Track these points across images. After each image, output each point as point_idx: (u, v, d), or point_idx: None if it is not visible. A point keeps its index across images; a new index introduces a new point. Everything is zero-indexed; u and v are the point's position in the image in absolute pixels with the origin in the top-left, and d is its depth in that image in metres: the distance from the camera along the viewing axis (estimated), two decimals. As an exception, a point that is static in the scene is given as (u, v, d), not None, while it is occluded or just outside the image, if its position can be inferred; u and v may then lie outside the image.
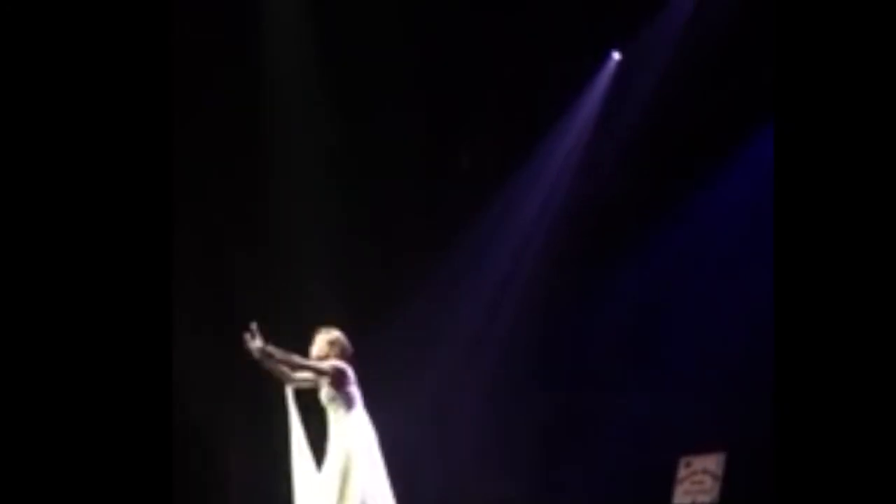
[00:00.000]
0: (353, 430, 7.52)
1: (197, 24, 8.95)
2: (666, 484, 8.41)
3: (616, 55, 10.20)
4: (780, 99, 4.57)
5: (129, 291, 4.44)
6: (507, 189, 10.34)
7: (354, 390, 7.54)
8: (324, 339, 7.60)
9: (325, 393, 7.58)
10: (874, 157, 4.37)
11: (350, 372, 7.54)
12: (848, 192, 4.39)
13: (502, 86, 10.19)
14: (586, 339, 9.97)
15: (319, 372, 7.52)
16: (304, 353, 7.72)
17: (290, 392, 7.66)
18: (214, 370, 9.15)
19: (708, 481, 8.55)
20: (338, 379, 7.48)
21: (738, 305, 9.27)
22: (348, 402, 7.50)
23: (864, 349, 4.30)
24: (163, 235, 4.53)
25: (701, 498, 8.47)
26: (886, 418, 4.26)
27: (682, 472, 8.75)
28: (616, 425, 9.58)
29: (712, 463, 8.63)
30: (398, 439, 7.80)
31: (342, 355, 7.58)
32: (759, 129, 9.25)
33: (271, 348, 7.39)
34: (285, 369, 7.56)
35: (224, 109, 9.74)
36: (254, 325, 7.30)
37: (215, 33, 9.51)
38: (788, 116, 4.52)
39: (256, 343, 7.35)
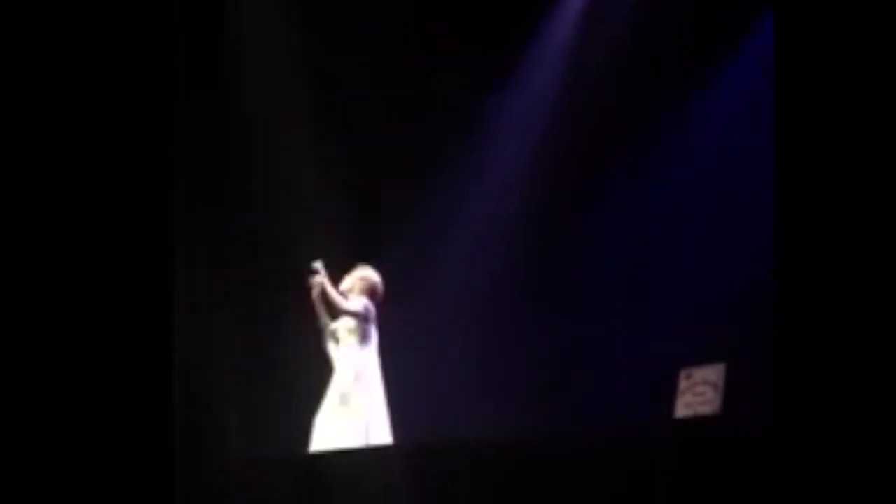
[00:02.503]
0: (362, 361, 7.66)
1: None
2: (666, 408, 8.35)
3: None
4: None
5: (128, 246, 4.39)
6: (492, 109, 10.13)
7: (373, 330, 7.73)
8: (357, 275, 7.91)
9: (343, 324, 7.76)
10: (880, 47, 4.21)
11: (373, 312, 7.71)
12: (851, 91, 4.25)
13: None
14: (582, 262, 9.84)
15: (350, 313, 7.69)
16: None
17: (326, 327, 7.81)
18: (214, 313, 9.14)
19: (709, 392, 8.48)
20: (363, 316, 7.66)
21: (738, 222, 9.11)
22: (364, 337, 7.69)
23: (867, 265, 4.19)
24: (162, 177, 4.47)
25: (702, 409, 8.40)
26: (888, 332, 4.17)
27: (682, 384, 8.68)
28: (614, 350, 9.49)
29: (713, 374, 8.55)
30: (391, 371, 7.88)
31: (372, 292, 7.83)
32: (756, 26, 9.05)
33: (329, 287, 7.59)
34: (323, 310, 7.77)
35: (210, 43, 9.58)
36: (318, 265, 7.43)
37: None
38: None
39: (319, 279, 7.56)
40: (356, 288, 8.02)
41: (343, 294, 7.97)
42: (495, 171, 10.15)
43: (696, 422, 7.51)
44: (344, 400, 7.72)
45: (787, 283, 4.29)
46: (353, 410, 7.68)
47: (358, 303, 7.88)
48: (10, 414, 4.17)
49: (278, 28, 9.72)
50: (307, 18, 9.75)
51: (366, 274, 8.09)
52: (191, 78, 8.68)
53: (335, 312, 7.96)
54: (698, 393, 8.52)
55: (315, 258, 8.04)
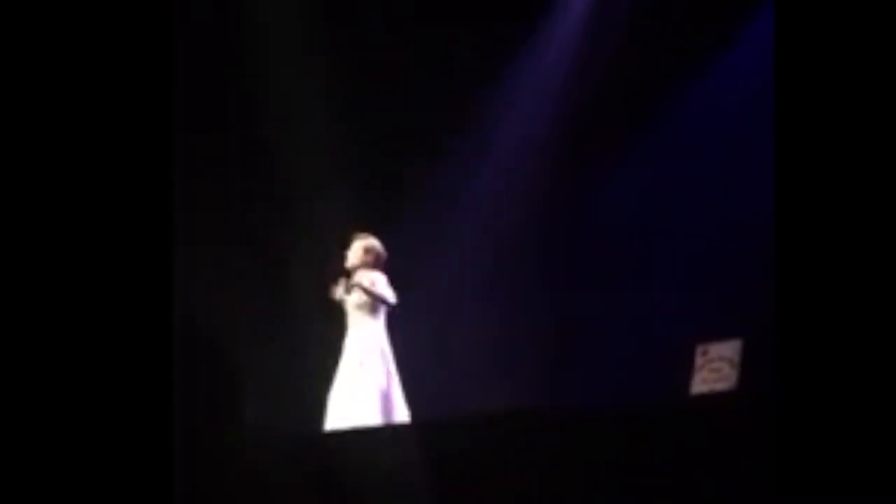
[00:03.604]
0: (373, 335, 7.62)
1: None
2: (676, 379, 8.37)
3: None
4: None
5: (129, 211, 4.36)
6: (503, 84, 10.12)
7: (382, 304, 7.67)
8: (360, 247, 7.80)
9: (354, 298, 7.71)
10: (880, 32, 4.19)
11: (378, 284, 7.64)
12: (851, 68, 4.22)
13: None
14: (591, 238, 9.84)
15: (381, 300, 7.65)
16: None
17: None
18: (225, 291, 9.15)
19: (725, 368, 8.46)
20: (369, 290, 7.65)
21: (743, 192, 9.10)
22: (374, 311, 7.64)
23: (869, 240, 4.17)
24: (162, 151, 4.44)
25: (719, 385, 8.38)
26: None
27: (698, 360, 8.65)
28: (624, 323, 9.49)
29: (729, 350, 8.53)
30: (399, 344, 7.87)
31: (377, 262, 7.77)
32: (757, 12, 9.02)
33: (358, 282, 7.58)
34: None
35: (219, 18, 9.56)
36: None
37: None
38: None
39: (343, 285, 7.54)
40: (368, 262, 7.93)
41: (352, 270, 7.92)
42: (503, 147, 10.15)
43: (709, 397, 7.50)
44: (357, 375, 7.71)
45: (787, 274, 4.28)
46: (366, 385, 7.66)
47: (389, 291, 7.83)
48: (16, 396, 4.14)
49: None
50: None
51: (369, 244, 7.96)
52: (199, 47, 8.76)
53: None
54: (714, 369, 8.50)
55: (326, 232, 8.05)
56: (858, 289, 4.15)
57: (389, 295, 7.74)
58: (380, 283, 7.79)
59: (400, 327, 8.07)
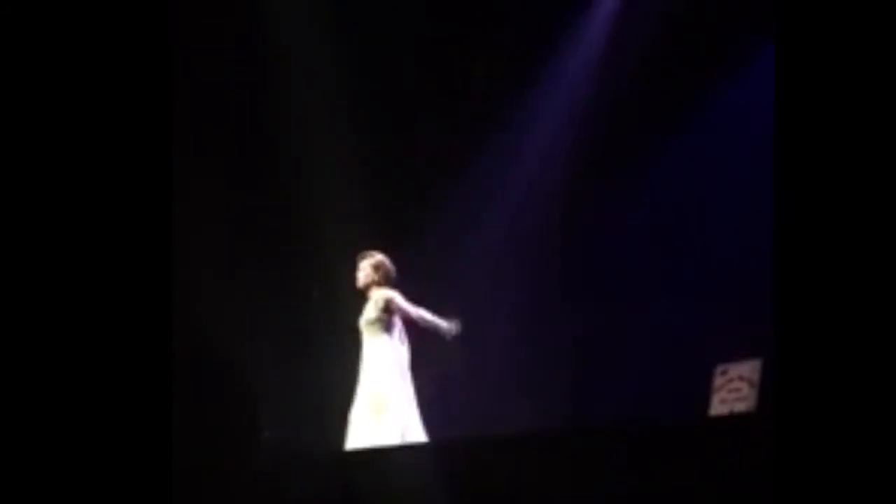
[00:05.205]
0: (386, 349, 7.59)
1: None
2: (702, 395, 8.34)
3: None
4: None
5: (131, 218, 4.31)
6: (522, 103, 10.15)
7: (395, 319, 7.63)
8: (368, 265, 7.73)
9: (366, 317, 7.67)
10: (875, 59, 4.19)
11: (398, 300, 7.61)
12: (851, 96, 4.22)
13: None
14: (611, 251, 9.83)
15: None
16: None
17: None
18: (245, 302, 9.13)
19: (745, 388, 8.41)
20: (387, 308, 7.61)
21: (766, 208, 9.06)
22: (385, 328, 7.59)
23: (878, 257, 4.15)
24: (164, 162, 4.40)
25: (738, 406, 8.34)
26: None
27: (718, 380, 8.61)
28: (647, 338, 9.47)
29: (748, 370, 8.48)
30: (425, 363, 7.84)
31: (387, 279, 7.70)
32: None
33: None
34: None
35: (230, 35, 9.60)
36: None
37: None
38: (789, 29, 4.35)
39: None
40: (379, 280, 7.89)
41: (366, 288, 7.90)
42: (526, 162, 10.17)
43: (730, 418, 7.46)
44: (374, 394, 7.68)
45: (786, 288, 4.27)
46: (384, 405, 7.63)
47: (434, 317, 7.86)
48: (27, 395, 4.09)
49: (309, 16, 9.70)
50: (340, 7, 9.76)
51: (377, 261, 7.92)
52: (215, 64, 8.79)
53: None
54: (734, 389, 8.45)
55: (346, 248, 8.05)
56: (866, 306, 4.12)
57: (442, 322, 7.74)
58: (418, 311, 7.77)
59: (423, 345, 8.03)
